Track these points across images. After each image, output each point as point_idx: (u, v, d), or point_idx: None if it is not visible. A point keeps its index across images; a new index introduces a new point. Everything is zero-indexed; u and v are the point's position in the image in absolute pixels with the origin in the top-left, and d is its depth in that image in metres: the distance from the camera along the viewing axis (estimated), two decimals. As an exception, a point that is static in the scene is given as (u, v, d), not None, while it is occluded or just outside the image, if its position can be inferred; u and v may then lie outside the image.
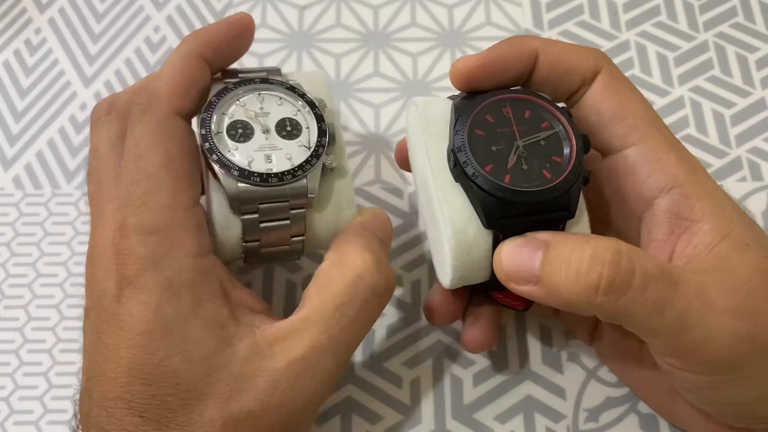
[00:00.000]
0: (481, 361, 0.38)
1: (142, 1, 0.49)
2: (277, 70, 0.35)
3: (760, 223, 0.41)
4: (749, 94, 0.45)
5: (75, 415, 0.30)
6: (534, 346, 0.38)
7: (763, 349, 0.28)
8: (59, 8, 0.49)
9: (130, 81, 0.46)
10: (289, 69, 0.46)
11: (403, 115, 0.45)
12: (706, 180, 0.31)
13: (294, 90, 0.34)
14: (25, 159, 0.44)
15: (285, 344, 0.29)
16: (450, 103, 0.32)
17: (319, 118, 0.33)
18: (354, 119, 0.45)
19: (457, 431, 0.36)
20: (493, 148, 0.31)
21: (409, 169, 0.36)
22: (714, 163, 0.43)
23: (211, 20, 0.48)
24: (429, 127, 0.32)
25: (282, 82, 0.34)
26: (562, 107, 0.32)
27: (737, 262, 0.29)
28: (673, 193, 0.30)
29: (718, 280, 0.28)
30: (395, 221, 0.42)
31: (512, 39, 0.32)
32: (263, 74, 0.35)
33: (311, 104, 0.34)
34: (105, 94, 0.46)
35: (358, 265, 0.30)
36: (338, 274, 0.30)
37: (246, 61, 0.46)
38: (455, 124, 0.31)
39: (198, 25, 0.48)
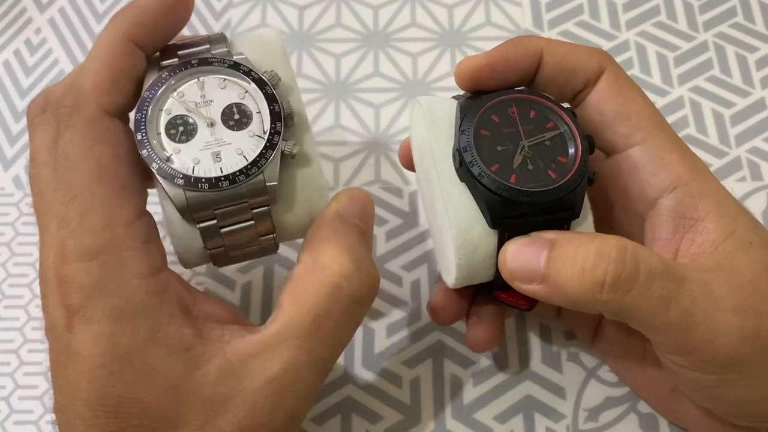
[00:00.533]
0: (481, 361, 0.38)
1: (142, 1, 0.49)
2: (221, 37, 0.31)
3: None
4: (749, 94, 0.45)
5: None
6: (534, 346, 0.38)
7: (767, 349, 0.28)
8: (59, 8, 0.49)
9: (130, 81, 0.46)
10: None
11: (403, 116, 0.45)
12: (709, 179, 0.31)
13: (238, 67, 0.29)
14: (26, 159, 0.44)
15: (259, 361, 0.27)
16: (454, 102, 0.32)
17: (271, 99, 0.29)
18: (354, 119, 0.45)
19: (457, 431, 0.36)
20: (499, 148, 0.31)
21: (412, 169, 0.36)
22: (714, 163, 0.43)
23: (211, 20, 0.48)
24: (433, 127, 0.32)
25: (224, 59, 0.29)
26: (567, 107, 0.32)
27: (741, 261, 0.29)
28: (677, 192, 0.30)
29: (723, 279, 0.28)
30: (395, 221, 0.42)
31: (517, 39, 0.32)
32: (205, 47, 0.30)
33: (260, 82, 0.29)
34: (105, 94, 0.46)
35: (335, 272, 0.28)
36: (314, 281, 0.28)
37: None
38: (461, 124, 0.31)
39: (198, 25, 0.48)
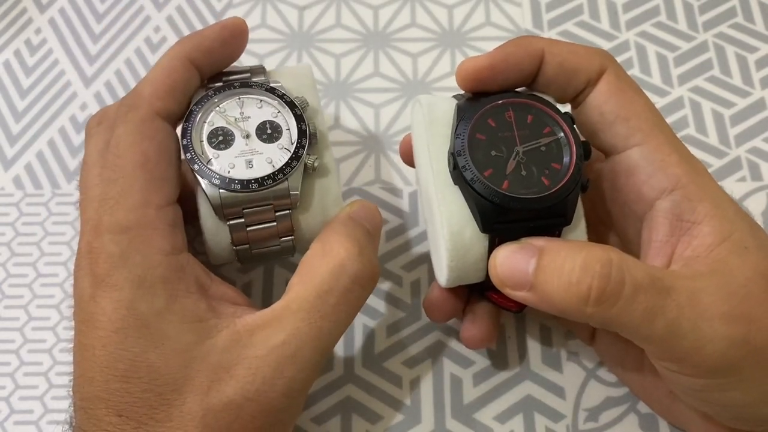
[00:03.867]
0: (481, 361, 0.38)
1: (142, 1, 0.49)
2: (261, 69, 0.35)
3: (760, 223, 0.41)
4: (749, 95, 0.45)
5: (69, 423, 0.30)
6: (534, 346, 0.38)
7: (758, 353, 0.28)
8: (59, 8, 0.49)
9: (130, 81, 0.46)
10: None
11: (403, 116, 0.45)
12: (708, 182, 0.31)
13: (274, 91, 0.34)
14: (26, 159, 0.44)
15: (265, 332, 0.29)
16: (454, 102, 0.32)
17: (299, 119, 0.33)
18: (354, 119, 0.45)
19: (457, 431, 0.36)
20: (493, 153, 0.31)
21: (413, 165, 0.36)
22: (713, 163, 0.43)
23: (211, 20, 0.48)
24: (432, 127, 0.32)
25: (262, 84, 0.34)
26: (565, 112, 0.32)
27: (736, 265, 0.29)
28: (675, 194, 0.30)
29: (715, 285, 0.28)
30: (395, 221, 0.42)
31: (518, 39, 0.32)
32: (247, 75, 0.35)
33: (291, 105, 0.33)
34: (105, 94, 0.46)
35: (340, 254, 0.30)
36: (320, 263, 0.31)
37: (246, 62, 0.46)
38: (457, 127, 0.31)
39: (198, 26, 0.48)
